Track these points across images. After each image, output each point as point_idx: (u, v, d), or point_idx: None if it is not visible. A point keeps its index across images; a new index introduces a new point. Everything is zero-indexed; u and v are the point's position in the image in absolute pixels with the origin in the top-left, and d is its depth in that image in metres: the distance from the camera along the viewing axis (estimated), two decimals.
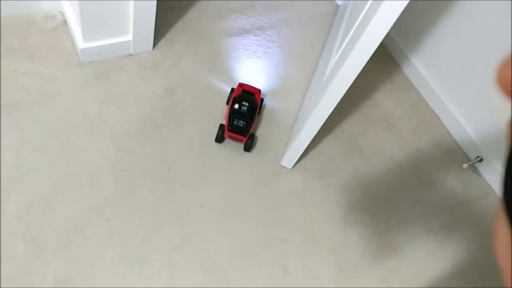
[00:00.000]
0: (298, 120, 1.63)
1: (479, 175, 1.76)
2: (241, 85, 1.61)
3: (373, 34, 1.07)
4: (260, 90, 1.61)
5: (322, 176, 1.57)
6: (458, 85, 1.81)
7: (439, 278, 1.47)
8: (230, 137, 1.55)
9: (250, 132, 1.54)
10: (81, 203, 1.34)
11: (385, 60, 2.05)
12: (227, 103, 1.65)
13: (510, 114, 0.20)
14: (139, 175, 1.43)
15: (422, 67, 1.94)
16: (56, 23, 1.72)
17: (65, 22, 1.73)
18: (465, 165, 1.73)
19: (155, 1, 1.58)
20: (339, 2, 2.18)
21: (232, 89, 1.66)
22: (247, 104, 1.52)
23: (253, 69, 1.82)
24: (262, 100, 1.65)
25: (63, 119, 1.48)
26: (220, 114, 1.63)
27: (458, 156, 1.81)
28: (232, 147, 1.56)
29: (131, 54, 1.71)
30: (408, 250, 1.49)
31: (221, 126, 1.55)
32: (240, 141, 1.55)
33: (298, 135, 1.44)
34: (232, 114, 1.52)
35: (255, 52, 1.89)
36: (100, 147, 1.46)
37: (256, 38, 1.94)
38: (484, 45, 1.67)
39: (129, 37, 1.66)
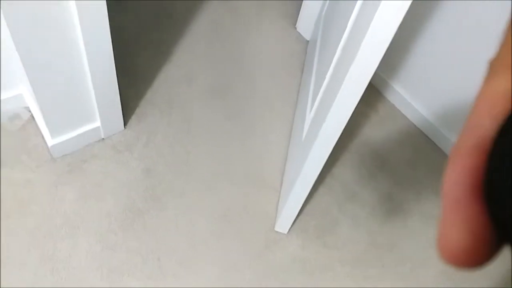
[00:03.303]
0: (284, 180, 1.55)
1: None
2: None
3: (362, 70, 0.96)
4: None
5: (320, 234, 1.48)
6: (445, 105, 1.72)
7: None
8: None
9: None
10: None
11: (367, 91, 1.96)
12: None
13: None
14: (129, 273, 1.35)
15: (404, 92, 1.86)
16: (23, 121, 1.66)
17: (32, 117, 1.67)
18: None
19: (116, 83, 1.52)
20: (307, 37, 2.11)
21: None
22: None
23: (229, 129, 1.75)
24: None
25: (42, 226, 1.42)
26: (205, 188, 1.56)
27: None
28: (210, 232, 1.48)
29: (103, 139, 1.65)
30: None
31: None
32: None
33: (287, 199, 1.36)
34: None
35: (228, 113, 1.82)
36: (84, 249, 1.39)
37: (228, 96, 1.87)
38: (467, 60, 1.59)
39: (97, 123, 1.60)
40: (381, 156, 1.72)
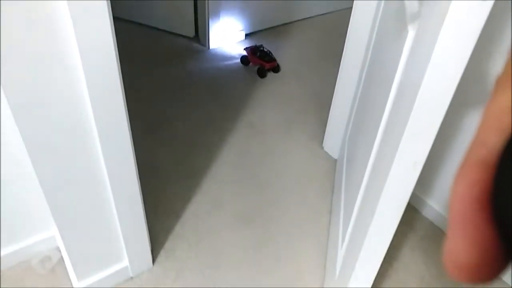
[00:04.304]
0: None
1: None
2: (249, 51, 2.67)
3: (396, 194, 0.86)
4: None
5: None
6: None
7: None
8: (268, 67, 2.57)
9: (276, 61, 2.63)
10: None
11: None
12: (246, 64, 2.71)
13: None
14: None
15: (440, 207, 1.76)
16: (52, 264, 1.66)
17: (62, 259, 1.67)
18: None
19: (143, 220, 1.52)
20: (335, 156, 2.10)
21: (244, 55, 2.71)
22: (261, 50, 2.63)
23: (259, 260, 1.67)
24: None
25: None
26: None
27: None
28: None
29: (131, 277, 1.61)
30: None
31: (258, 68, 2.59)
32: (273, 67, 2.61)
33: None
34: (260, 55, 2.58)
35: (258, 241, 1.76)
36: None
37: (257, 223, 1.83)
38: None
39: (125, 262, 1.57)
40: (425, 281, 1.58)
